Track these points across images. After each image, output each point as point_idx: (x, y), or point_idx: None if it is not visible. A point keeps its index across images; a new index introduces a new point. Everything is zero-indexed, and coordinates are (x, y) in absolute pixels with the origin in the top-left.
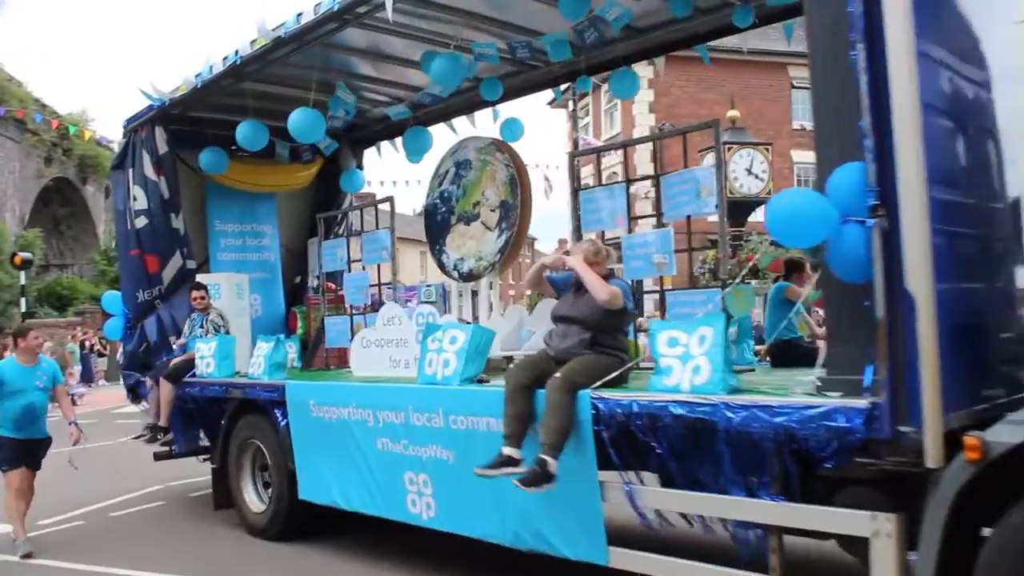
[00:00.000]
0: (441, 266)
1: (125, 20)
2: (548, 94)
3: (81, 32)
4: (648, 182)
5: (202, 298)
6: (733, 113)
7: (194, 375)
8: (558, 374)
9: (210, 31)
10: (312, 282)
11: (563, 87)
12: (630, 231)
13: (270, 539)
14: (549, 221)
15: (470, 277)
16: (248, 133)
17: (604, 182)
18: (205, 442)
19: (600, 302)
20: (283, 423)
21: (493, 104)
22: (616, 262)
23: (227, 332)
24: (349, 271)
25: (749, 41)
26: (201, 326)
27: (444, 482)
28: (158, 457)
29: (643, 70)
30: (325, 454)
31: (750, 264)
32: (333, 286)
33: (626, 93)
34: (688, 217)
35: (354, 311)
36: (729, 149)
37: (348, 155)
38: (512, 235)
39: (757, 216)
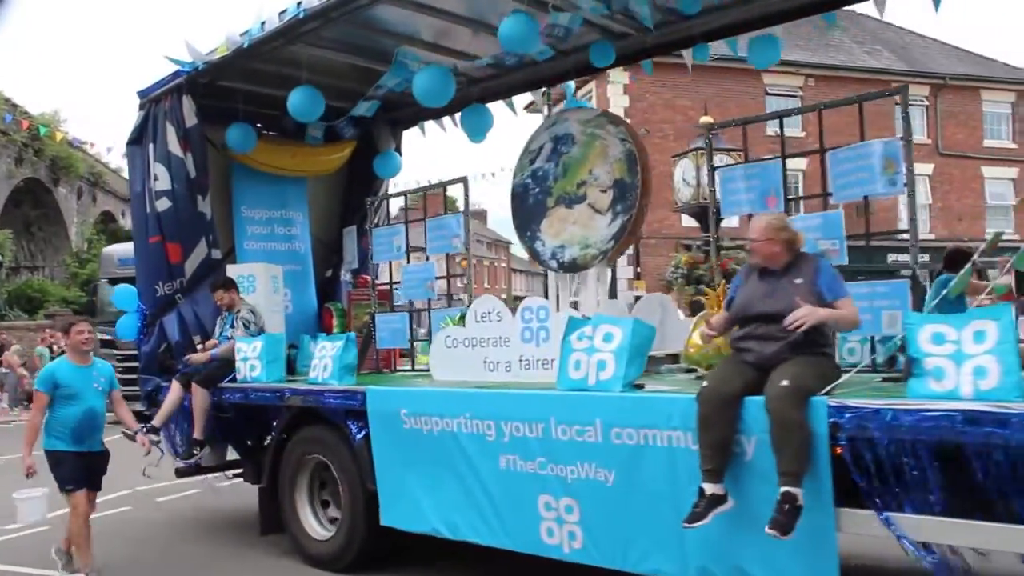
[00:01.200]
0: (535, 254)
1: (100, 22)
2: (525, 97)
3: (55, 33)
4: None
5: (220, 298)
6: (706, 119)
7: (233, 379)
8: (785, 381)
9: (189, 34)
10: (345, 275)
11: (542, 90)
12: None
13: (340, 571)
14: None
15: (573, 267)
16: (302, 101)
17: None
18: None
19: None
20: (360, 436)
21: (601, 71)
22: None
23: (261, 330)
24: (408, 262)
25: (723, 48)
26: (232, 325)
27: (598, 508)
28: (180, 474)
29: (617, 75)
30: (421, 473)
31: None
32: (369, 279)
33: (766, 61)
34: (865, 198)
35: (412, 307)
36: (701, 155)
37: (387, 136)
38: (630, 219)
39: (731, 222)
